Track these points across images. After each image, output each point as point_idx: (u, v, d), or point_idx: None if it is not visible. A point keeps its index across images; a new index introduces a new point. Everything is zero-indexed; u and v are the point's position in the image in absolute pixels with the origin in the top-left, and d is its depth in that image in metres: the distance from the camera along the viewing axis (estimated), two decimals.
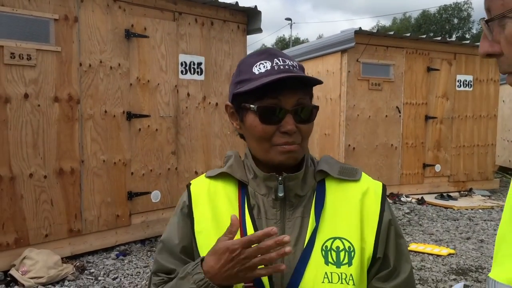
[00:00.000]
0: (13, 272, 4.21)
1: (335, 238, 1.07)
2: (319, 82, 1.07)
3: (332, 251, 1.06)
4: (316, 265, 1.04)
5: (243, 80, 1.08)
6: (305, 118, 1.08)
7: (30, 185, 4.50)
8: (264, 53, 1.10)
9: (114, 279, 4.42)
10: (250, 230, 1.07)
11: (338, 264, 1.05)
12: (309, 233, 1.07)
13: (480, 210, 7.67)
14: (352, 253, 1.06)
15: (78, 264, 4.57)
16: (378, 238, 1.10)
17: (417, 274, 4.65)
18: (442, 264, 4.94)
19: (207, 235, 1.09)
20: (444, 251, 5.27)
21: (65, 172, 4.74)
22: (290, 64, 1.07)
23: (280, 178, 1.09)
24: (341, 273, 1.04)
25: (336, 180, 1.14)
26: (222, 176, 1.16)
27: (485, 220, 6.92)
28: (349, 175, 1.15)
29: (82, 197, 4.89)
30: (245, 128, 1.11)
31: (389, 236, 1.12)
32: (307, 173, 1.14)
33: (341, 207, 1.11)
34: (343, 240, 1.07)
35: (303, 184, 1.12)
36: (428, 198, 8.29)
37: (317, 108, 1.11)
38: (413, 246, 5.46)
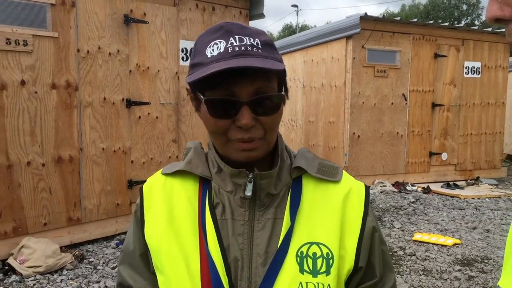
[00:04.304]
0: (11, 261, 4.17)
1: (311, 243, 0.94)
2: (277, 69, 0.88)
3: (308, 258, 0.93)
4: (289, 273, 0.91)
5: (196, 64, 0.92)
6: (266, 110, 0.91)
7: (28, 173, 4.44)
8: (220, 29, 0.92)
9: (113, 268, 4.37)
10: (210, 231, 0.94)
11: (314, 273, 0.92)
12: (283, 235, 0.94)
13: (487, 199, 7.55)
14: (331, 261, 0.93)
15: (77, 253, 4.53)
16: (360, 245, 0.97)
17: (421, 265, 4.56)
18: (447, 255, 4.85)
19: (160, 239, 0.97)
20: (449, 241, 5.18)
21: (63, 160, 4.68)
22: (248, 43, 0.89)
23: (250, 176, 0.94)
24: (318, 283, 0.92)
25: (314, 178, 1.01)
26: (180, 172, 1.02)
27: (492, 210, 6.81)
28: (328, 174, 1.01)
29: (81, 186, 4.83)
30: (202, 117, 0.97)
31: (373, 243, 1.00)
32: (282, 169, 1.00)
33: (320, 209, 0.98)
34: (321, 246, 0.94)
35: (277, 181, 0.98)
36: (434, 187, 8.18)
37: (282, 96, 0.94)
38: (417, 236, 5.37)
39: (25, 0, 4.33)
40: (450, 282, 4.17)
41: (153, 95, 5.37)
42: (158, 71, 5.39)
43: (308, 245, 0.95)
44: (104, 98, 4.96)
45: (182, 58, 5.60)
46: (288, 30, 49.10)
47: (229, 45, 0.89)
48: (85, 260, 4.51)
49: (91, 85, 4.85)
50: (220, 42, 0.90)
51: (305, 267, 0.93)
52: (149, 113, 5.34)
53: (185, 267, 0.93)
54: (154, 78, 5.37)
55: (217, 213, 0.97)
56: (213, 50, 0.90)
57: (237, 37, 0.90)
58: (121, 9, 5.03)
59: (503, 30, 8.24)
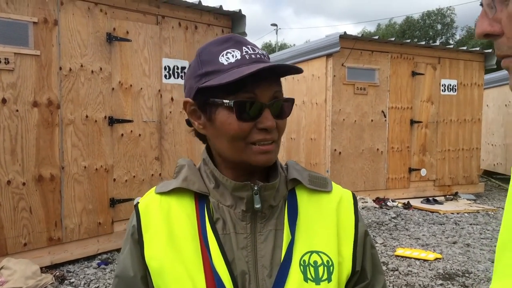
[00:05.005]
0: None
1: (312, 252, 0.98)
2: (300, 71, 0.95)
3: (310, 266, 0.96)
4: (295, 283, 0.94)
5: (210, 72, 0.95)
6: (282, 113, 0.97)
7: (7, 193, 4.36)
8: (230, 40, 0.97)
9: None
10: (214, 247, 0.95)
11: (317, 280, 0.95)
12: (285, 246, 0.97)
13: (466, 214, 7.68)
14: (331, 268, 0.97)
15: (58, 273, 4.44)
16: (355, 251, 1.02)
17: (404, 280, 4.60)
18: (429, 269, 4.90)
19: (162, 260, 0.96)
20: (430, 255, 5.24)
21: (44, 178, 4.61)
22: (260, 52, 0.96)
23: (256, 188, 0.96)
24: None
25: (307, 189, 1.05)
26: (175, 191, 1.01)
27: (471, 224, 6.92)
28: (320, 185, 1.06)
29: (62, 205, 4.76)
30: (214, 126, 0.97)
31: (365, 248, 1.06)
32: (280, 180, 1.03)
33: (316, 219, 1.02)
34: (321, 254, 0.98)
35: (276, 193, 1.01)
36: (414, 203, 8.28)
37: (293, 101, 1.00)
38: (400, 251, 5.42)
39: (7, 18, 4.31)
40: None
41: (136, 112, 5.35)
42: (141, 88, 5.39)
43: (309, 254, 0.98)
44: (86, 116, 4.93)
45: (165, 76, 5.61)
46: (268, 49, 49.57)
47: (244, 53, 0.95)
48: (66, 281, 4.42)
49: (73, 103, 4.82)
50: (233, 51, 0.95)
51: (308, 275, 0.95)
52: (131, 131, 5.32)
53: (191, 285, 0.93)
54: (137, 95, 5.36)
55: (218, 228, 0.97)
56: (228, 58, 0.94)
57: (249, 46, 0.97)
58: (103, 27, 5.03)
59: (478, 48, 8.43)
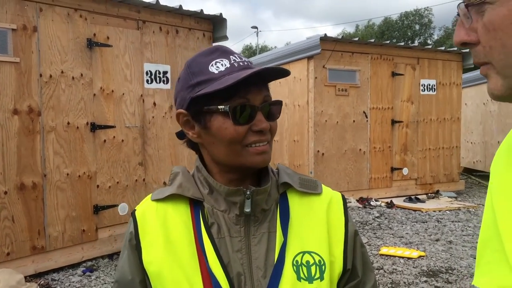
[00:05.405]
0: None
1: (304, 253, 1.02)
2: (288, 73, 1.01)
3: (303, 266, 1.01)
4: (289, 282, 0.98)
5: (202, 82, 0.98)
6: (274, 114, 1.02)
7: None
8: (217, 51, 1.02)
9: None
10: (209, 250, 0.99)
11: (310, 279, 1.00)
12: (278, 248, 1.01)
13: (448, 212, 7.80)
14: (323, 267, 1.02)
15: (42, 282, 4.39)
16: (346, 250, 1.07)
17: (389, 278, 4.66)
18: (413, 267, 4.98)
19: (160, 264, 0.99)
20: (414, 253, 5.32)
21: (26, 187, 4.56)
22: (246, 60, 1.02)
23: (248, 193, 1.00)
24: None
25: (298, 192, 1.09)
26: (171, 197, 1.05)
27: (452, 221, 7.03)
28: (310, 188, 1.10)
29: (45, 213, 4.71)
30: (210, 133, 1.00)
31: (355, 246, 1.10)
32: (271, 185, 1.06)
33: (307, 221, 1.06)
34: (313, 254, 1.02)
35: (268, 197, 1.05)
36: (397, 201, 8.38)
37: (281, 103, 1.05)
38: (384, 250, 5.48)
39: None
40: None
41: (118, 118, 5.33)
42: (123, 94, 5.36)
43: (301, 254, 1.02)
44: (68, 123, 4.89)
45: (147, 81, 5.60)
46: (248, 51, 49.64)
47: (233, 62, 1.00)
48: None
49: (54, 109, 4.77)
50: (222, 60, 1.00)
51: (301, 275, 0.99)
52: (114, 137, 5.28)
53: (189, 287, 0.96)
54: (119, 101, 5.34)
55: (213, 232, 1.01)
56: (218, 67, 0.99)
57: (236, 55, 1.02)
58: (84, 33, 5.00)
59: (456, 48, 8.56)
